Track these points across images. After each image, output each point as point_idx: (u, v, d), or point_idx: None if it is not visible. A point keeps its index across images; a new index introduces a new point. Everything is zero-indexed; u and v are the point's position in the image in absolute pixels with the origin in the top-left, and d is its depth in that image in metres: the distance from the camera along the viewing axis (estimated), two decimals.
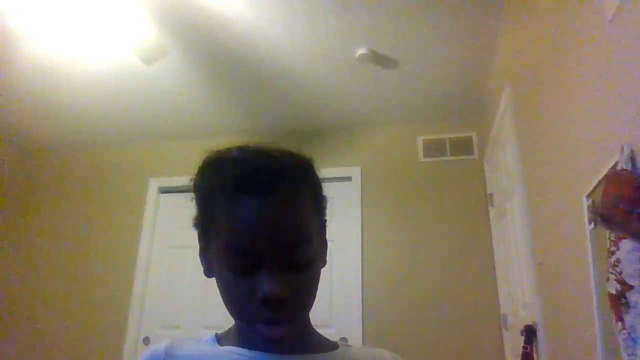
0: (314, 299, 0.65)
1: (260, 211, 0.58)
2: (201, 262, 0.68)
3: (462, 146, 3.42)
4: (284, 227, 0.59)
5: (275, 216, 0.59)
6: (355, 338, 2.98)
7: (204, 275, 0.68)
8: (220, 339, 0.70)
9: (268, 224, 0.58)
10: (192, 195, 0.66)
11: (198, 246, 0.68)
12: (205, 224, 0.65)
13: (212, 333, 0.71)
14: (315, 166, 0.68)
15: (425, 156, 3.45)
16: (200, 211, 0.65)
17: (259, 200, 0.59)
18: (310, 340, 0.70)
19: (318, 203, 0.67)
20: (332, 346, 0.71)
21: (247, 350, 0.65)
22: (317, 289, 0.65)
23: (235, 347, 0.66)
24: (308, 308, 0.65)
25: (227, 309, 0.63)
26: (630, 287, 1.06)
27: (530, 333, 2.09)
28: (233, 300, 0.62)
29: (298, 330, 0.65)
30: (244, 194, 0.59)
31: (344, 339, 0.65)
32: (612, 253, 1.13)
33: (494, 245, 3.08)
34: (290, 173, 0.62)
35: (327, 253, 0.71)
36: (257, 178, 0.59)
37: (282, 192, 0.60)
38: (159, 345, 0.69)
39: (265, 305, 0.58)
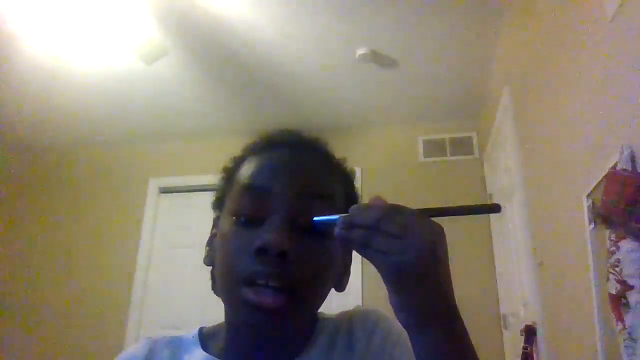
0: (321, 286, 0.57)
1: (283, 157, 0.59)
2: (206, 246, 0.63)
3: (462, 146, 3.42)
4: (301, 173, 0.58)
5: (296, 163, 0.59)
6: None
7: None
8: (204, 338, 0.64)
9: (285, 167, 0.58)
10: (219, 179, 0.65)
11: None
12: (225, 187, 0.62)
13: (196, 330, 0.66)
14: (354, 178, 0.67)
15: (425, 156, 3.45)
16: (224, 180, 0.64)
17: (286, 151, 0.60)
18: (295, 338, 0.61)
19: (348, 201, 0.62)
20: (311, 330, 0.63)
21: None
22: (326, 279, 0.58)
23: (208, 356, 0.60)
24: (311, 289, 0.56)
25: (218, 274, 0.57)
26: (630, 287, 1.06)
27: (530, 333, 2.09)
28: (227, 255, 0.55)
29: (295, 324, 0.56)
30: (272, 146, 0.61)
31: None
32: (612, 253, 1.13)
33: (494, 245, 3.08)
34: (330, 155, 0.64)
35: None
36: (290, 137, 0.62)
37: (312, 155, 0.61)
38: (136, 352, 0.63)
39: (260, 256, 0.51)
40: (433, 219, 0.45)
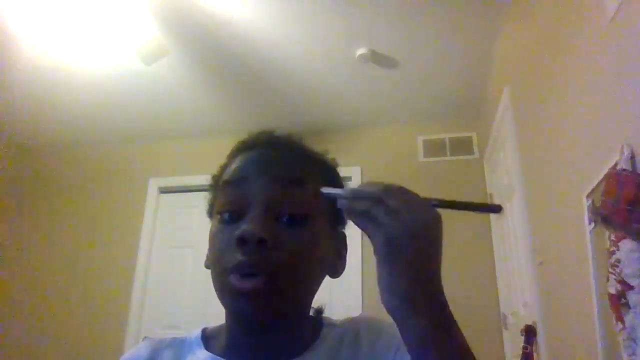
0: (305, 271, 0.58)
1: (257, 154, 0.62)
2: (207, 250, 0.64)
3: (462, 146, 3.42)
4: (274, 164, 0.61)
5: (269, 156, 0.62)
6: None
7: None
8: (207, 338, 0.65)
9: (259, 161, 0.61)
10: (211, 184, 0.67)
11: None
12: (213, 193, 0.65)
13: (199, 330, 0.66)
14: (336, 169, 0.69)
15: (425, 156, 3.45)
16: (212, 187, 0.66)
17: (260, 149, 0.63)
18: (295, 335, 0.61)
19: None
20: (315, 334, 0.63)
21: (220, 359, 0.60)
22: (311, 264, 0.59)
23: (211, 355, 0.61)
24: (294, 274, 0.56)
25: (211, 271, 0.59)
26: (630, 287, 1.06)
27: (530, 333, 2.09)
28: (215, 251, 0.58)
29: (280, 310, 0.57)
30: (250, 147, 0.64)
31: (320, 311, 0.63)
32: (612, 253, 1.14)
33: (494, 245, 3.08)
34: (302, 147, 0.66)
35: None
36: (266, 137, 0.65)
37: (285, 147, 0.64)
38: (139, 353, 0.63)
39: (241, 246, 0.54)
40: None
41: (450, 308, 0.48)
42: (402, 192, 0.48)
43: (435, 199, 0.49)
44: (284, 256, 0.55)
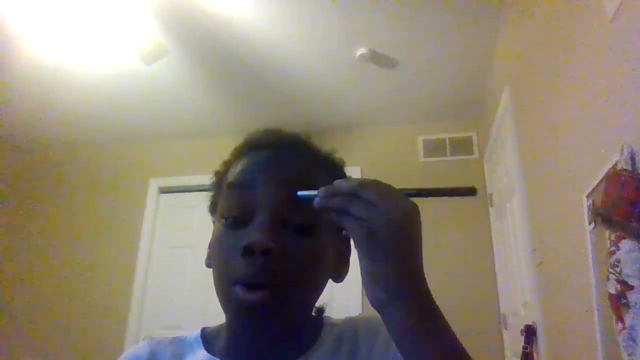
0: (310, 279, 0.58)
1: (265, 156, 0.60)
2: (208, 248, 0.63)
3: (462, 146, 3.42)
4: (283, 168, 0.59)
5: (277, 160, 0.60)
6: None
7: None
8: (207, 338, 0.64)
9: (267, 164, 0.59)
10: (212, 181, 0.66)
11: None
12: (216, 191, 0.64)
13: (198, 330, 0.66)
14: (343, 168, 0.68)
15: (425, 156, 3.45)
16: (215, 184, 0.65)
17: (268, 150, 0.61)
18: (296, 337, 0.61)
19: None
20: (315, 334, 0.63)
21: None
22: (316, 272, 0.58)
23: (211, 356, 0.61)
24: (299, 283, 0.56)
25: (214, 275, 0.58)
26: (630, 287, 1.06)
27: (530, 333, 2.09)
28: (219, 257, 0.57)
29: (286, 321, 0.57)
30: (257, 147, 0.62)
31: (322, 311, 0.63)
32: (612, 253, 1.14)
33: (494, 245, 3.08)
34: (311, 148, 0.65)
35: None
36: (274, 137, 0.63)
37: (294, 150, 0.62)
38: (138, 352, 0.63)
39: (247, 256, 0.53)
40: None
41: (435, 300, 0.48)
42: (376, 185, 0.47)
43: (410, 189, 0.49)
44: (290, 266, 0.54)
